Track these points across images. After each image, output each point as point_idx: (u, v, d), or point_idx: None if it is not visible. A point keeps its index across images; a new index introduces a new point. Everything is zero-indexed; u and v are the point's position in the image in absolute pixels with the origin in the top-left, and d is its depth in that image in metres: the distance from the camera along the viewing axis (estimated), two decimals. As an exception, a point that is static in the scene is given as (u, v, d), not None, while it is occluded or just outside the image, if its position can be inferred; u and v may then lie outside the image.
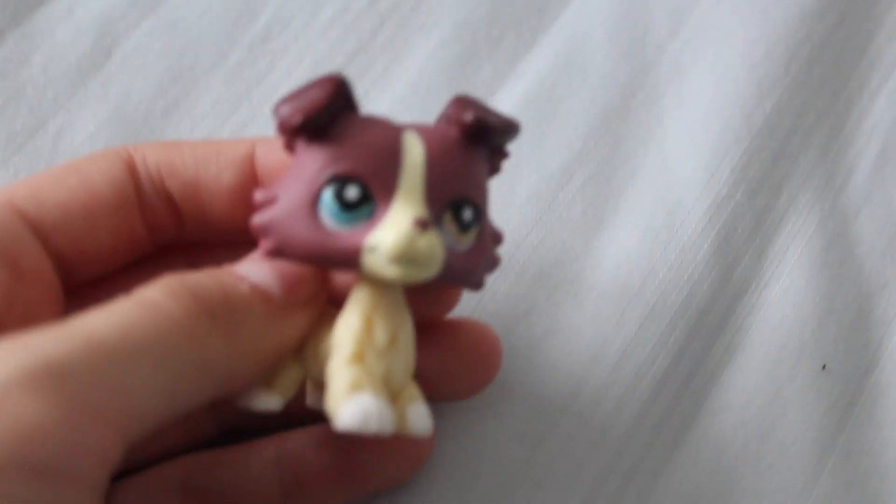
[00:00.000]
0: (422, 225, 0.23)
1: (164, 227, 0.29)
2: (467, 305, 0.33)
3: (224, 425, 0.30)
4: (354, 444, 0.27)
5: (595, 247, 0.35)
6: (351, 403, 0.23)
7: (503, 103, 0.37)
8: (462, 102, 0.25)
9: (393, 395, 0.25)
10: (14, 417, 0.19)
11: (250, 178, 0.28)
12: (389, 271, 0.23)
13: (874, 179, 0.37)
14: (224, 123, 0.36)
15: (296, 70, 0.37)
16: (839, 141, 0.38)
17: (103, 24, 0.37)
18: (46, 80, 0.36)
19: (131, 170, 0.28)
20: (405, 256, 0.23)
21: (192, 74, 0.36)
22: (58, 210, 0.27)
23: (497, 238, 0.27)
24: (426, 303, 0.28)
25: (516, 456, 0.32)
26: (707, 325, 0.34)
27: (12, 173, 0.34)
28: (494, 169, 0.26)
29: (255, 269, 0.25)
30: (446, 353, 0.29)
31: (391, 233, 0.23)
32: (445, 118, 0.25)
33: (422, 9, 0.38)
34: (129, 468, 0.28)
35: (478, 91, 0.37)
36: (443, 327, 0.29)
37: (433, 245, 0.23)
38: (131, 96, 0.36)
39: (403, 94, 0.36)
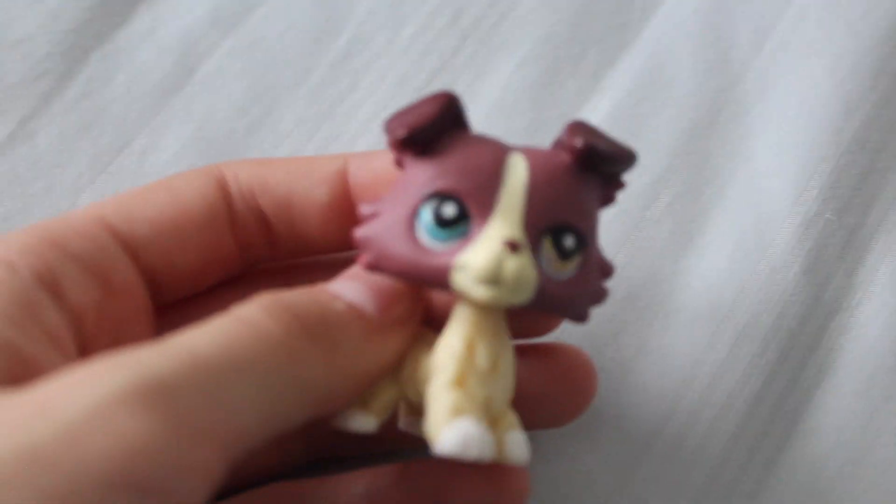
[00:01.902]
0: (511, 246, 0.23)
1: (255, 245, 0.28)
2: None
3: (313, 450, 0.30)
4: (447, 486, 0.27)
5: (684, 266, 0.35)
6: (452, 428, 0.23)
7: (587, 120, 0.36)
8: (575, 128, 0.25)
9: (492, 422, 0.24)
10: (120, 435, 0.19)
11: (343, 195, 0.28)
12: (477, 292, 0.23)
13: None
14: (307, 142, 0.36)
15: (378, 88, 0.36)
16: (928, 156, 0.37)
17: (185, 44, 0.37)
18: (130, 99, 0.36)
19: (223, 187, 0.28)
20: (492, 277, 0.23)
21: (274, 93, 0.36)
22: (148, 227, 0.27)
23: (606, 270, 0.26)
24: (521, 327, 0.28)
25: (609, 480, 0.32)
26: (799, 345, 0.34)
27: (99, 193, 0.34)
28: (609, 199, 0.26)
29: (349, 287, 0.25)
30: (541, 379, 0.29)
31: (480, 253, 0.23)
32: (558, 143, 0.25)
33: (503, 26, 0.38)
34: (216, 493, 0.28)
35: (562, 108, 0.37)
36: (537, 353, 0.29)
37: (522, 268, 0.23)
38: (214, 115, 0.36)
39: (486, 112, 0.36)
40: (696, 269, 0.35)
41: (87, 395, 0.20)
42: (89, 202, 0.34)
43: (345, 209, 0.28)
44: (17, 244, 0.24)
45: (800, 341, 0.34)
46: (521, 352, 0.28)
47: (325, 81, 0.37)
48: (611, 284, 0.33)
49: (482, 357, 0.24)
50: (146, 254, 0.27)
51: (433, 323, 0.26)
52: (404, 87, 0.37)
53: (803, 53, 0.38)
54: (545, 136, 0.36)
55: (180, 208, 0.27)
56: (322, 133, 0.36)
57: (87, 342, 0.25)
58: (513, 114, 0.36)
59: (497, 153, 0.24)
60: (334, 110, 0.36)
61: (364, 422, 0.25)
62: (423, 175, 0.24)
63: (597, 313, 0.33)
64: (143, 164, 0.35)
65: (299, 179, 0.28)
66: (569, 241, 0.24)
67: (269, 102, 0.36)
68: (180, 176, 0.28)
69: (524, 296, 0.23)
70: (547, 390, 0.29)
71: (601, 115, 0.37)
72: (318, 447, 0.30)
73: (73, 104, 0.35)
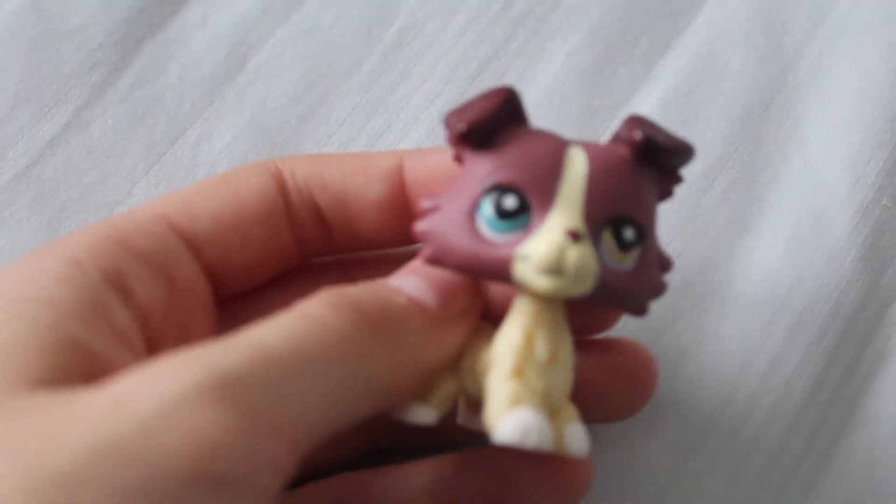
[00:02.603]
0: (573, 236, 0.23)
1: (312, 240, 0.29)
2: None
3: (373, 443, 0.30)
4: (511, 474, 0.27)
5: (740, 254, 0.34)
6: (511, 417, 0.23)
7: (640, 108, 0.36)
8: (634, 121, 0.25)
9: (551, 414, 0.24)
10: (193, 430, 0.19)
11: (398, 191, 0.28)
12: (539, 282, 0.23)
13: None
14: (359, 132, 0.36)
15: (430, 77, 0.36)
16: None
17: (238, 33, 0.37)
18: (183, 89, 0.36)
19: (280, 183, 0.28)
20: (554, 267, 0.23)
21: (327, 82, 0.36)
22: (209, 223, 0.27)
23: (665, 264, 0.26)
24: (584, 320, 0.28)
25: (667, 468, 0.32)
26: (856, 332, 0.34)
27: (153, 183, 0.34)
28: (666, 193, 0.26)
29: (409, 282, 0.25)
30: (602, 374, 0.29)
31: (542, 242, 0.23)
32: (617, 137, 0.25)
33: (555, 14, 0.38)
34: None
35: (614, 96, 0.37)
36: (598, 347, 0.29)
37: (585, 257, 0.23)
38: (267, 104, 0.36)
39: (538, 101, 0.36)
40: (752, 256, 0.34)
41: (161, 391, 0.20)
42: (143, 192, 0.34)
43: (399, 206, 0.28)
44: (83, 243, 0.25)
45: (857, 329, 0.34)
46: (582, 347, 0.28)
47: (377, 70, 0.37)
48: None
49: (541, 348, 0.24)
50: (208, 250, 0.27)
51: (491, 317, 0.26)
52: (456, 76, 0.37)
53: (858, 39, 0.38)
54: (597, 124, 0.36)
55: (240, 204, 0.27)
56: (374, 122, 0.36)
57: (154, 339, 0.25)
58: (565, 102, 0.36)
59: (556, 146, 0.25)
60: (386, 99, 0.36)
61: (424, 414, 0.25)
62: (483, 168, 0.24)
63: (654, 301, 0.33)
64: (196, 153, 0.35)
65: (355, 176, 0.28)
66: (629, 233, 0.24)
67: (321, 92, 0.36)
68: (238, 171, 0.28)
69: (585, 286, 0.23)
70: (608, 385, 0.29)
71: (653, 102, 0.37)
72: (377, 440, 0.30)
73: (126, 94, 0.36)
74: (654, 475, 0.31)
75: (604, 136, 0.36)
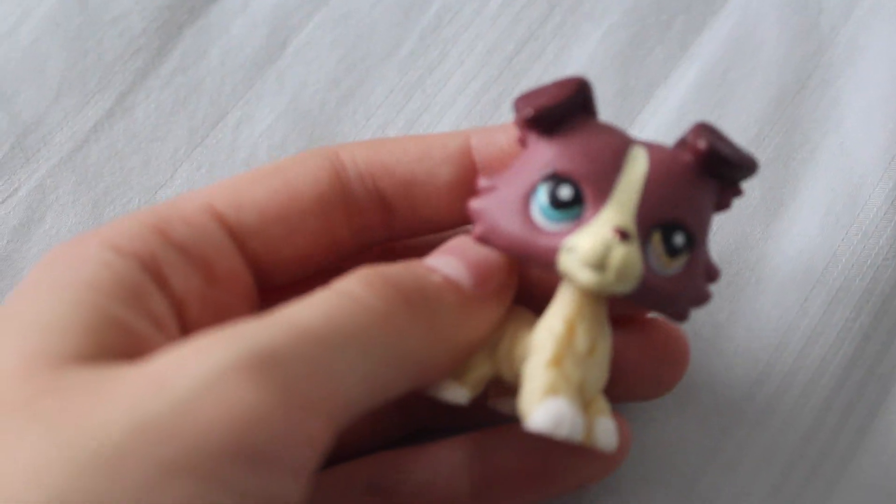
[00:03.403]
0: (621, 235, 0.23)
1: (372, 228, 0.28)
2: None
3: (408, 425, 0.31)
4: (549, 445, 0.27)
5: (775, 232, 0.35)
6: (545, 405, 0.23)
7: (676, 88, 0.37)
8: (701, 129, 0.25)
9: (583, 406, 0.25)
10: (230, 405, 0.20)
11: (469, 172, 0.28)
12: (582, 275, 0.23)
13: None
14: (398, 113, 0.36)
15: (467, 58, 0.37)
16: None
17: (277, 17, 0.37)
18: (224, 73, 0.36)
19: (338, 171, 0.27)
20: (598, 262, 0.23)
21: (365, 65, 0.37)
22: (257, 214, 0.26)
23: (712, 273, 0.26)
24: (622, 310, 0.28)
25: (702, 443, 0.32)
26: (892, 309, 0.34)
27: (195, 166, 0.35)
28: (723, 204, 0.26)
29: (445, 261, 0.26)
30: (635, 353, 0.29)
31: (589, 237, 0.23)
32: (682, 142, 0.25)
33: (591, -6, 0.38)
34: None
35: (650, 76, 0.37)
36: (632, 326, 0.29)
37: (629, 257, 0.23)
38: (307, 87, 0.36)
39: (574, 81, 0.36)
40: (788, 233, 0.35)
41: (199, 368, 0.20)
42: (186, 175, 0.35)
43: (471, 186, 0.28)
44: (123, 230, 0.25)
45: (893, 305, 0.34)
46: (616, 324, 0.28)
47: (415, 52, 0.37)
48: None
49: (581, 340, 0.25)
50: (253, 241, 0.26)
51: (533, 304, 0.27)
52: (493, 57, 0.37)
53: (892, 18, 0.38)
54: (633, 104, 0.36)
55: (292, 195, 0.27)
56: (412, 104, 0.36)
57: (190, 329, 0.25)
58: (600, 82, 0.37)
59: (620, 143, 0.25)
60: (424, 81, 0.37)
61: (457, 393, 0.26)
62: (544, 155, 0.25)
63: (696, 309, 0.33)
64: (237, 137, 0.35)
65: (421, 160, 0.28)
66: (678, 239, 0.24)
67: (360, 74, 0.37)
68: (294, 160, 0.28)
69: (628, 286, 0.24)
70: (639, 364, 0.29)
71: (689, 82, 0.37)
72: (413, 420, 0.31)
73: (168, 79, 0.36)
74: (688, 452, 0.32)
75: (640, 116, 0.36)
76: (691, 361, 0.32)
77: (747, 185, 0.35)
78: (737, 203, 0.34)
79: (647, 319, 0.29)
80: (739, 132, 0.36)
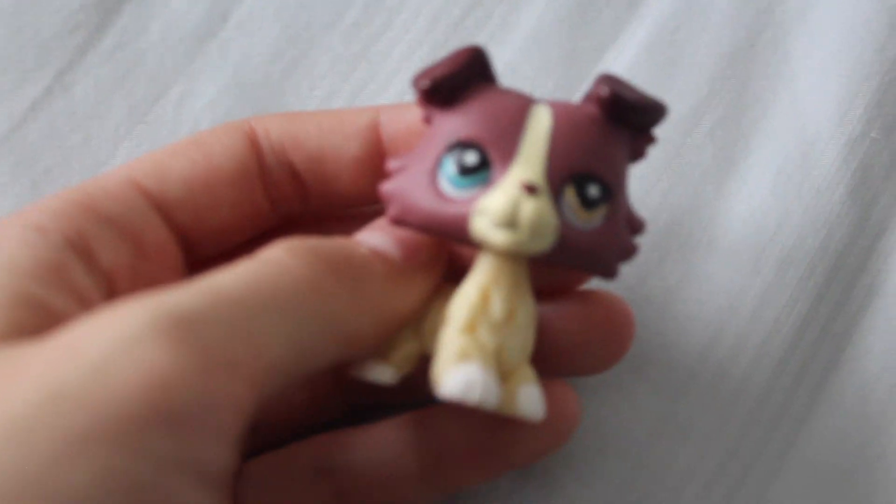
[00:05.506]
0: (529, 189, 0.23)
1: (287, 200, 0.29)
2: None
3: (350, 403, 0.30)
4: (497, 422, 0.26)
5: (727, 192, 0.34)
6: (456, 371, 0.23)
7: (625, 49, 0.36)
8: (602, 79, 0.25)
9: (505, 374, 0.24)
10: (147, 368, 0.19)
11: (376, 147, 0.28)
12: (495, 236, 0.23)
13: None
14: (343, 82, 0.35)
15: (412, 26, 0.36)
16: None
17: (217, -11, 0.37)
18: (165, 48, 0.36)
19: (254, 143, 0.28)
20: (508, 219, 0.23)
21: (309, 35, 0.36)
22: (180, 186, 0.27)
23: (637, 225, 0.25)
24: (550, 281, 0.28)
25: (656, 409, 0.32)
26: (846, 267, 0.33)
27: (135, 143, 0.34)
28: (638, 153, 0.26)
29: (373, 236, 0.26)
30: (577, 327, 0.28)
31: (497, 195, 0.23)
32: (587, 96, 0.25)
33: (536, -44, 0.37)
34: (260, 448, 0.28)
35: (598, 38, 0.36)
36: (573, 299, 0.28)
37: (541, 211, 0.23)
38: (249, 60, 0.36)
39: (522, 46, 0.36)
40: (740, 193, 0.34)
41: (112, 333, 0.20)
42: (127, 153, 0.34)
43: (377, 162, 0.28)
44: (49, 209, 0.25)
45: (847, 263, 0.33)
46: (556, 299, 0.28)
47: (360, 21, 0.36)
48: (652, 212, 0.33)
49: (496, 306, 0.24)
50: (178, 213, 0.27)
51: (459, 278, 0.26)
52: (438, 24, 0.36)
53: (844, -30, 0.37)
54: (582, 66, 0.36)
55: (211, 166, 0.27)
56: (358, 73, 0.36)
57: None
58: (548, 45, 0.36)
59: (521, 103, 0.25)
60: (369, 50, 0.36)
61: (383, 373, 0.25)
62: (446, 126, 0.25)
63: (639, 241, 0.33)
64: (179, 112, 0.35)
65: (331, 134, 0.28)
66: (592, 190, 0.24)
67: (303, 45, 0.36)
68: (210, 132, 0.28)
69: (543, 242, 0.23)
70: (581, 338, 0.28)
71: (639, 42, 0.36)
72: (356, 399, 0.30)
73: (108, 55, 0.35)
74: (643, 416, 0.31)
75: (589, 78, 0.36)
76: (645, 325, 0.32)
77: (697, 145, 0.35)
78: (688, 163, 0.34)
79: (589, 291, 0.29)
80: (690, 92, 0.35)
